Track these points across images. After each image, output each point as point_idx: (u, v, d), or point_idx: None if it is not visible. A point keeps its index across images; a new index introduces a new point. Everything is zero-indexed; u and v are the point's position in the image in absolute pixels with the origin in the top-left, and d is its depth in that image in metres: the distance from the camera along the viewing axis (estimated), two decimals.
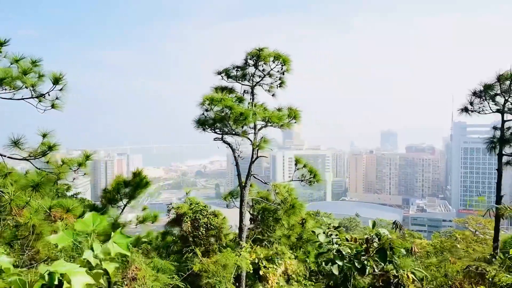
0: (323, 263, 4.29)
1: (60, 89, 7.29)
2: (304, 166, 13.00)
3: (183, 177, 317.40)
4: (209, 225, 13.34)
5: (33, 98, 7.25)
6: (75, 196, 23.64)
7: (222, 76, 11.44)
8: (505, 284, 7.60)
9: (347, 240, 4.15)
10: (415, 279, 3.83)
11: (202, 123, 10.77)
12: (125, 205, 13.27)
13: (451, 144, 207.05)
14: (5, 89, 6.94)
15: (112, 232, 3.13)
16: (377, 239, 3.91)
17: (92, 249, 3.08)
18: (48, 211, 7.19)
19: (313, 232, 3.81)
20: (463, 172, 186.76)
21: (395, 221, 8.95)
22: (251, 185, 14.54)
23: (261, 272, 6.92)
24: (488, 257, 10.17)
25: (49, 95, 7.19)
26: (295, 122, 11.99)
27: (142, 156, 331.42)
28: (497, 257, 9.02)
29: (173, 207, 13.63)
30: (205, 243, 12.69)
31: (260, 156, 11.06)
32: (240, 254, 7.62)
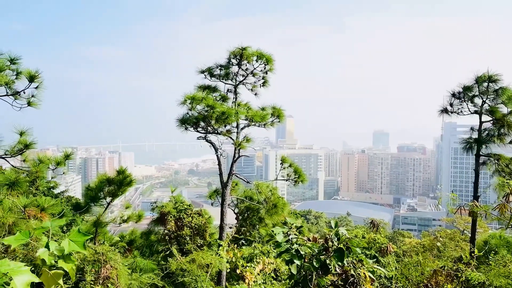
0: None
1: (36, 87, 7.24)
2: (290, 165, 13.05)
3: (175, 175, 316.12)
4: (193, 224, 13.36)
5: (8, 96, 7.19)
6: (62, 194, 23.41)
7: (205, 75, 11.42)
8: (476, 282, 7.76)
9: (309, 240, 4.22)
10: (373, 277, 3.91)
11: (184, 122, 10.73)
12: (108, 203, 13.25)
13: (442, 144, 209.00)
14: None
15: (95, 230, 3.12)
16: (336, 238, 3.98)
17: (47, 247, 3.07)
18: (23, 210, 7.13)
19: (272, 231, 3.85)
20: (453, 172, 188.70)
21: (372, 220, 9.05)
22: (236, 184, 14.56)
23: (238, 271, 6.97)
24: (466, 256, 10.39)
25: (24, 92, 7.14)
26: (279, 122, 12.03)
27: (134, 153, 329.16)
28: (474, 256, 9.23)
29: (157, 206, 13.59)
30: (189, 242, 12.71)
31: (242, 156, 11.08)
32: (218, 253, 7.66)
